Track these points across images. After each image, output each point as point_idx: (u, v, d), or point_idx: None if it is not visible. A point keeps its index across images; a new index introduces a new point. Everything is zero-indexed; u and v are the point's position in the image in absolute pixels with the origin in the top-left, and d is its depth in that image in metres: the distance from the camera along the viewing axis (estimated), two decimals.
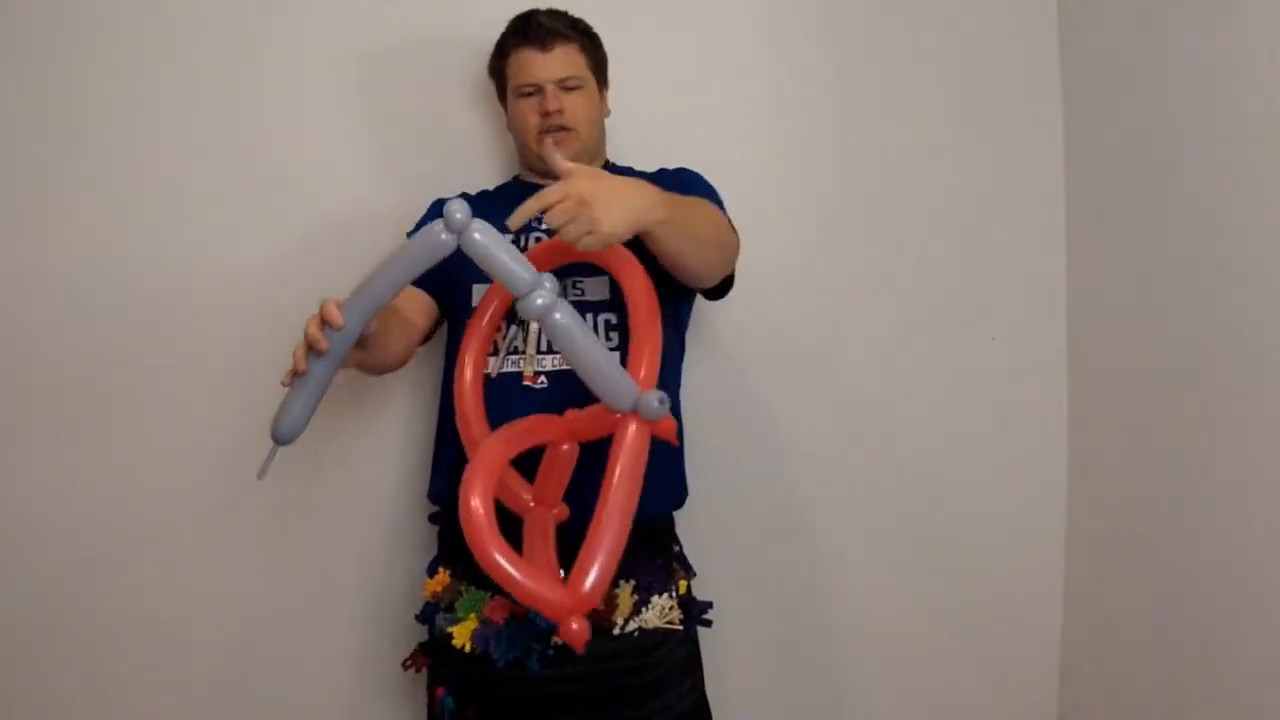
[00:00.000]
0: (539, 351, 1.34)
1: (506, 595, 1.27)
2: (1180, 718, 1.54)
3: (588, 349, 1.10)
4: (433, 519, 1.45)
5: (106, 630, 1.63)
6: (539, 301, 1.05)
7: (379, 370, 1.35)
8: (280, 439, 1.14)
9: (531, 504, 1.24)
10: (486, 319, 1.33)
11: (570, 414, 1.23)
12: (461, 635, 1.29)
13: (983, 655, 1.81)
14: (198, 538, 1.65)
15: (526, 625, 1.27)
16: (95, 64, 1.61)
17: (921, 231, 1.78)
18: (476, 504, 1.03)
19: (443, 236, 1.04)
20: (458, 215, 1.03)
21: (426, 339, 1.47)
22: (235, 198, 1.62)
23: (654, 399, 1.12)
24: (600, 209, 1.06)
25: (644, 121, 1.64)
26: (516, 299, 1.06)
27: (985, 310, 1.79)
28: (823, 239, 1.76)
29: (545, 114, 1.40)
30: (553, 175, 1.40)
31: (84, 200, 1.62)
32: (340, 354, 1.13)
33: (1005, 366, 1.79)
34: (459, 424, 1.29)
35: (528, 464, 1.23)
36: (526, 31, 1.41)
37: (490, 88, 1.54)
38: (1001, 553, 1.81)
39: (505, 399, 1.30)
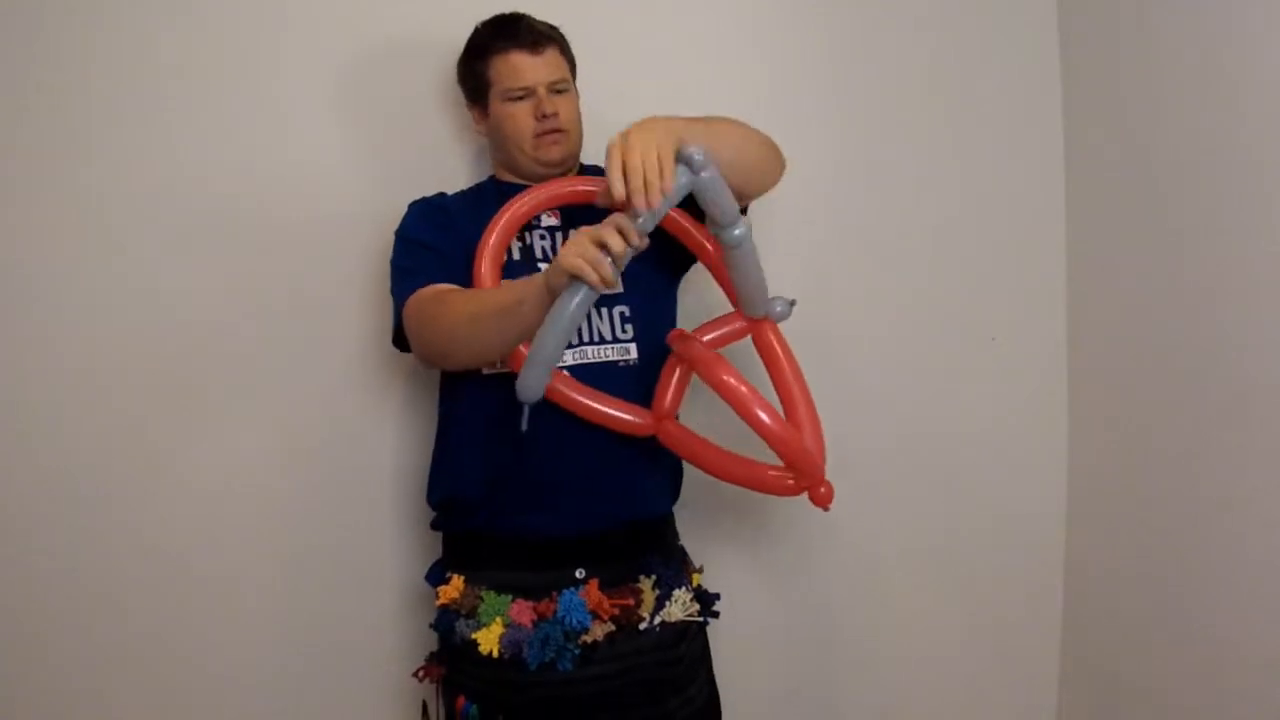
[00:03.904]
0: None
1: (527, 597, 1.30)
2: (1179, 717, 1.54)
3: (759, 266, 1.30)
4: (435, 525, 1.43)
5: (92, 645, 1.59)
6: (737, 232, 1.21)
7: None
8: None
9: (651, 422, 1.34)
10: (495, 236, 1.33)
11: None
12: (488, 641, 1.28)
13: (983, 655, 1.81)
14: (193, 546, 1.62)
15: (555, 626, 1.28)
16: (79, 64, 1.59)
17: (921, 231, 1.78)
18: (731, 379, 1.20)
19: (683, 180, 1.13)
20: (698, 157, 1.12)
21: None
22: (215, 198, 1.59)
23: (778, 303, 1.37)
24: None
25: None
26: (722, 227, 1.20)
27: (985, 310, 1.80)
28: (821, 239, 1.76)
29: (542, 117, 1.38)
30: (532, 177, 1.40)
31: (74, 199, 1.60)
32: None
33: (1005, 366, 1.80)
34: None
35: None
36: (515, 35, 1.39)
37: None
38: (1001, 552, 1.82)
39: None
